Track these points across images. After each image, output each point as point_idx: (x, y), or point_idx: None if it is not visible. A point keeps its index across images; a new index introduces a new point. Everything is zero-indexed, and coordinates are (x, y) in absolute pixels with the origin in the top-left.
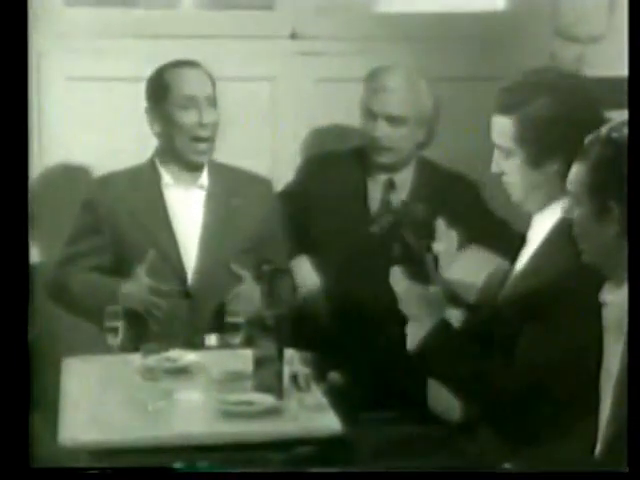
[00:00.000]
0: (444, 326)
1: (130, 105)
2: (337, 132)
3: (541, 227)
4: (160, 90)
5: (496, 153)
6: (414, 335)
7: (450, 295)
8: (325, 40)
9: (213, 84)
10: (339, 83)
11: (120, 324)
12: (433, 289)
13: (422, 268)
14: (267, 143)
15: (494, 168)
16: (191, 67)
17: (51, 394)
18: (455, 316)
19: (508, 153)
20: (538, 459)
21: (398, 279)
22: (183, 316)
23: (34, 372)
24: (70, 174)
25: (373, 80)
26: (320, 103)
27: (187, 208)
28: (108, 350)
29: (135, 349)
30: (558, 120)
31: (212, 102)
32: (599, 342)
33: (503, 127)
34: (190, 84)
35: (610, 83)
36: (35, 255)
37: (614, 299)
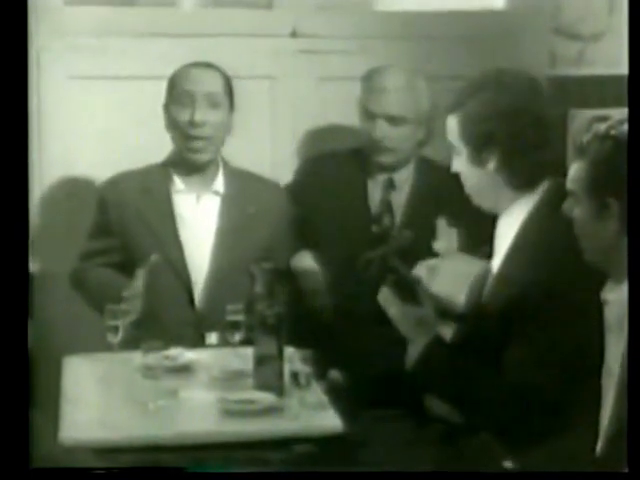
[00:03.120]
0: (436, 343)
1: (132, 103)
2: (336, 132)
3: (506, 232)
4: (168, 89)
5: (452, 153)
6: (410, 354)
7: (440, 310)
8: (325, 39)
9: (225, 84)
10: (339, 82)
11: (120, 322)
12: (424, 308)
13: (411, 290)
14: (267, 142)
15: (453, 167)
16: (202, 67)
17: (51, 392)
18: (447, 330)
19: (458, 152)
20: (538, 459)
21: (389, 301)
22: (189, 321)
23: (34, 370)
24: (73, 178)
25: (370, 80)
26: (320, 102)
27: (197, 214)
28: (108, 348)
29: (136, 347)
30: (496, 116)
31: (214, 102)
32: (585, 339)
33: (451, 125)
34: (190, 81)
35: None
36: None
37: (615, 297)
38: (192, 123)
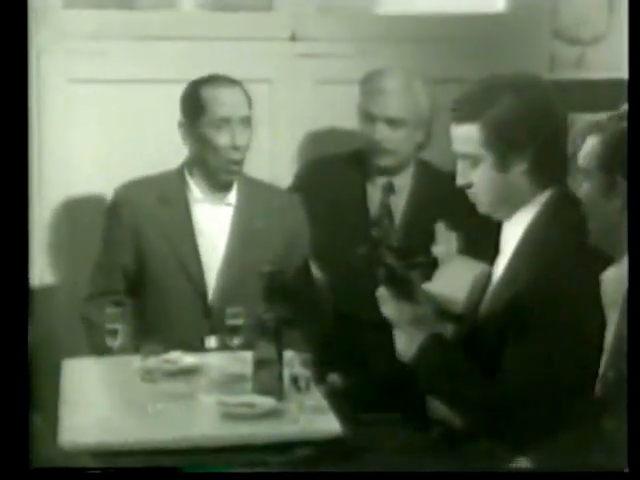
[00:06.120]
0: (433, 341)
1: (132, 106)
2: (336, 135)
3: (511, 235)
4: (195, 108)
5: (460, 165)
6: (408, 352)
7: (438, 310)
8: (324, 42)
9: (249, 103)
10: (338, 85)
11: (120, 326)
12: (421, 307)
13: (408, 288)
14: (266, 145)
15: (460, 181)
16: (228, 86)
17: (51, 396)
18: (445, 331)
19: (475, 160)
20: (537, 461)
21: (385, 300)
22: (205, 332)
23: (34, 374)
24: (74, 183)
25: (370, 83)
26: (319, 105)
27: (213, 224)
28: (108, 352)
29: (135, 351)
30: (523, 119)
31: (247, 122)
32: (583, 343)
33: (468, 135)
34: (226, 105)
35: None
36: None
37: (610, 274)
38: (234, 147)
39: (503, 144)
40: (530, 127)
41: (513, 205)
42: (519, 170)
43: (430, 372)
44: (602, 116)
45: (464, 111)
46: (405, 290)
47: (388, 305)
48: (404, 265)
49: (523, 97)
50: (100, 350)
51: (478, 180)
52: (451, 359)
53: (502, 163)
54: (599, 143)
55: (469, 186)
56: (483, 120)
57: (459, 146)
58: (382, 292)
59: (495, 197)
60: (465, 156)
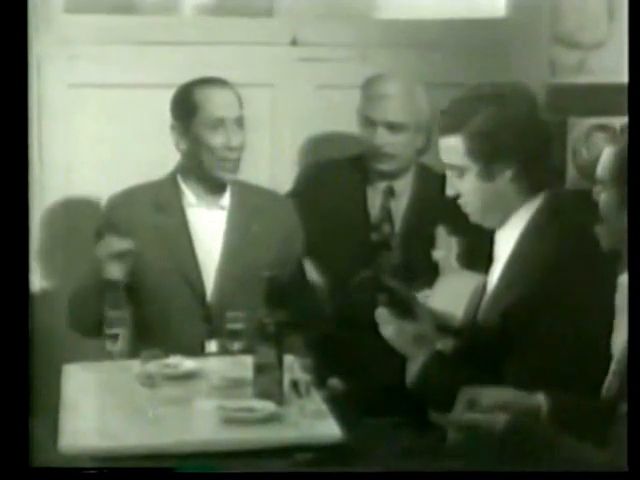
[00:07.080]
0: (437, 358)
1: (132, 111)
2: (336, 139)
3: (505, 243)
4: (188, 109)
5: (449, 175)
6: (410, 370)
7: (438, 326)
8: (325, 47)
9: (241, 104)
10: (339, 90)
11: (120, 331)
12: (421, 324)
13: (409, 307)
14: (266, 149)
15: (449, 191)
16: (220, 87)
17: (51, 401)
18: (446, 346)
19: (461, 171)
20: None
21: (386, 322)
22: (205, 337)
23: (34, 379)
24: (74, 187)
25: (370, 88)
26: (320, 110)
27: (209, 228)
28: (108, 356)
29: (135, 356)
30: (505, 127)
31: (240, 123)
32: (584, 347)
33: (452, 146)
34: (220, 106)
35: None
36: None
37: (624, 281)
38: (230, 148)
39: (487, 154)
40: (513, 135)
41: (503, 212)
42: (505, 178)
43: (436, 390)
44: (610, 121)
45: (448, 123)
46: (406, 309)
47: (388, 326)
48: (406, 285)
49: (505, 106)
50: (96, 334)
51: (465, 190)
52: (454, 376)
53: (487, 172)
54: (613, 155)
55: (458, 197)
56: (466, 131)
57: (445, 157)
58: (381, 313)
59: (483, 206)
60: (451, 167)
